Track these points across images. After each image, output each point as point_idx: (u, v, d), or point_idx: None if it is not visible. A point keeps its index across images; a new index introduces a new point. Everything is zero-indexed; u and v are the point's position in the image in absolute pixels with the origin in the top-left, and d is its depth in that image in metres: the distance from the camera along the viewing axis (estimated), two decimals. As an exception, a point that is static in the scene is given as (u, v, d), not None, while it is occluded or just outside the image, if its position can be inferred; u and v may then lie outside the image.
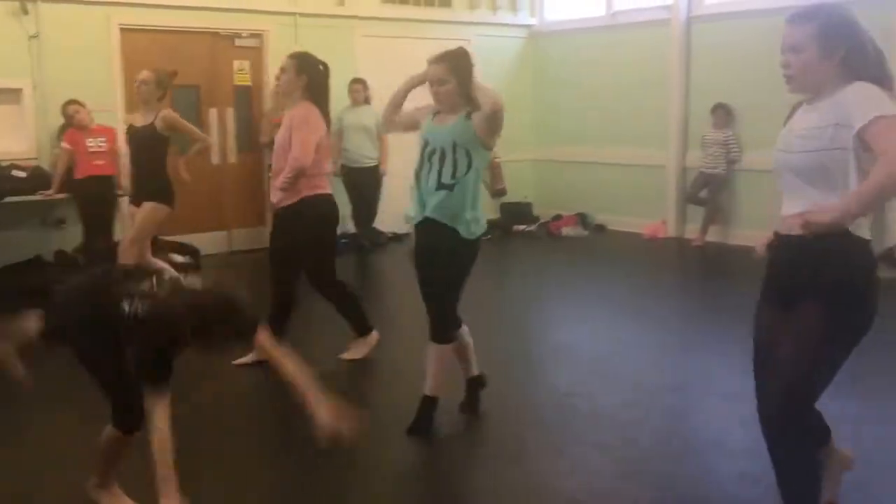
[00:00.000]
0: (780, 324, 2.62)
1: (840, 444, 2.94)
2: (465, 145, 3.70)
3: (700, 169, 8.47)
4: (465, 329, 4.00)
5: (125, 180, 6.52)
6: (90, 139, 6.83)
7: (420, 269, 3.89)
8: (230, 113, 8.53)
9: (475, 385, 4.13)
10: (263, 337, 2.68)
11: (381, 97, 8.12)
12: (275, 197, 4.70)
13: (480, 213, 3.83)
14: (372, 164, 8.39)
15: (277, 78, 5.13)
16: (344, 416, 2.49)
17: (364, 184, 8.37)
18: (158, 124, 5.67)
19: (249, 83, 8.58)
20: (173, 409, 2.72)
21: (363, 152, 8.35)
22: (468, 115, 3.72)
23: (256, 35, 8.48)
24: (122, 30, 7.72)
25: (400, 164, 8.19)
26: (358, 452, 3.46)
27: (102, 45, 7.62)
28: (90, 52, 7.52)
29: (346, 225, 8.86)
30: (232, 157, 8.59)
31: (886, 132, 2.33)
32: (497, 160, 10.02)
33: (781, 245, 2.65)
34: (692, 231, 8.79)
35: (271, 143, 8.24)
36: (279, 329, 4.41)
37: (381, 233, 8.79)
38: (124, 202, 6.70)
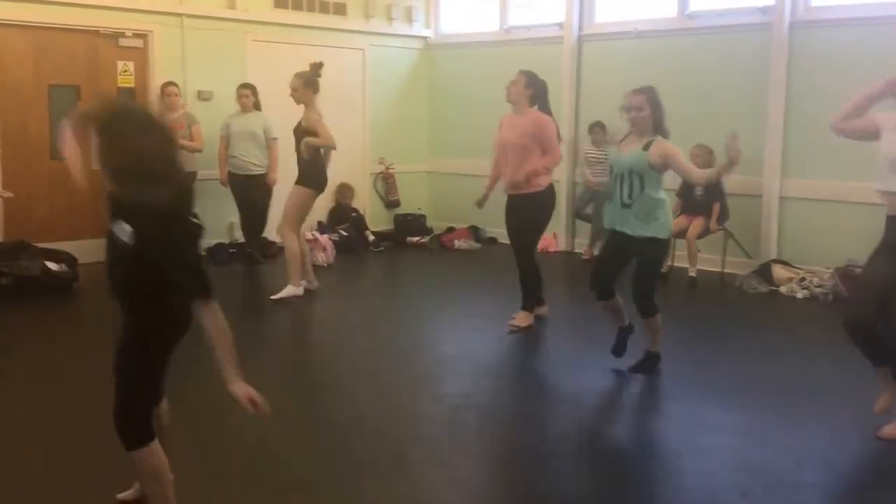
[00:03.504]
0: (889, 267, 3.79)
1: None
2: (639, 171, 4.51)
3: (594, 187, 8.57)
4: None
5: None
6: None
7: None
8: (112, 116, 8.16)
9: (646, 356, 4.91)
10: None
11: (270, 104, 7.99)
12: (513, 188, 5.80)
13: (663, 222, 4.58)
14: (260, 172, 8.10)
15: (508, 88, 5.92)
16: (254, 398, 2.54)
17: (252, 193, 8.12)
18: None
19: (133, 85, 8.24)
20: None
21: (251, 160, 8.07)
22: (646, 147, 4.50)
23: (141, 35, 8.16)
24: (-7, 24, 7.31)
25: (290, 172, 8.04)
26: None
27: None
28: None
29: (234, 234, 8.61)
30: (113, 162, 8.21)
31: None
32: (391, 171, 10.00)
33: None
34: (581, 245, 8.95)
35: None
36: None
37: (272, 243, 8.53)
38: None
